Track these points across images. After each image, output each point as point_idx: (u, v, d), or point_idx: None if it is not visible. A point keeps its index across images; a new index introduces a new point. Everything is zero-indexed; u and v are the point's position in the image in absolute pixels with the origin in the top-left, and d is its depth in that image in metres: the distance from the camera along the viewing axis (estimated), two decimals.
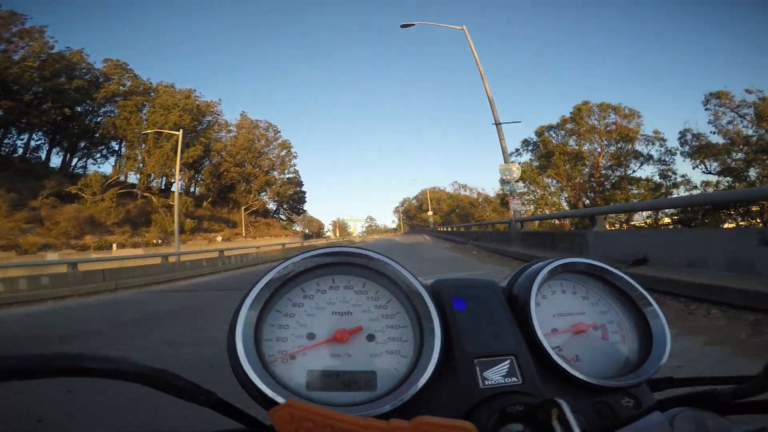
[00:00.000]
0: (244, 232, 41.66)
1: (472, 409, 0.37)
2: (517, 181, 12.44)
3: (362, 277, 0.45)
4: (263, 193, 49.21)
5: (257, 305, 0.41)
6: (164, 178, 40.05)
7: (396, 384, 0.39)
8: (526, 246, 10.00)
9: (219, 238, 37.63)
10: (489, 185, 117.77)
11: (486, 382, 0.38)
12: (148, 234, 31.34)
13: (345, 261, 0.45)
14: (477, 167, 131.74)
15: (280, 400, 0.33)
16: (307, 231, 71.41)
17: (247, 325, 0.39)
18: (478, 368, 0.39)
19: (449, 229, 32.44)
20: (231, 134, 46.20)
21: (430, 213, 53.83)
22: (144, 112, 36.53)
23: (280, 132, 50.00)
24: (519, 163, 31.73)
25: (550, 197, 27.14)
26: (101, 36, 68.83)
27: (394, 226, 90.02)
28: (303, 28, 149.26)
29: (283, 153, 50.69)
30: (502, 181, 13.55)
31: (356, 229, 71.24)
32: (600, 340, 0.48)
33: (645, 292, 0.49)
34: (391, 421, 0.25)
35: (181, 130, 21.36)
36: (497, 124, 12.59)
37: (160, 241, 31.67)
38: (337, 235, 70.78)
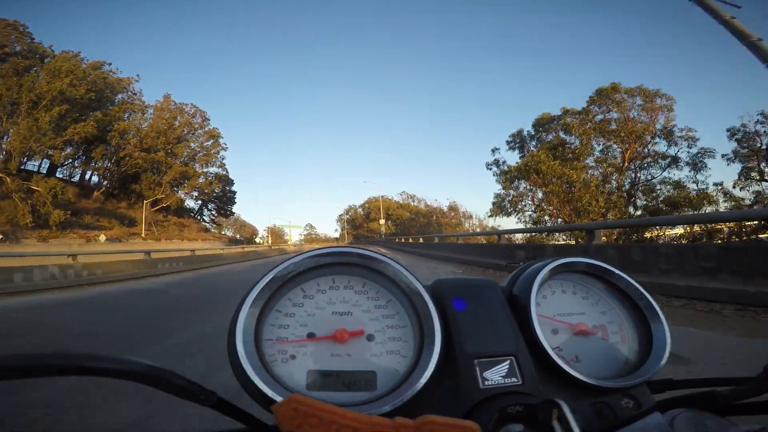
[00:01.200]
0: (143, 232, 33.39)
1: (472, 409, 0.38)
2: None
3: (362, 277, 0.47)
4: (178, 188, 40.61)
5: (257, 305, 0.42)
6: (31, 156, 30.67)
7: (396, 384, 0.40)
8: None
9: (102, 238, 29.48)
10: (442, 197, 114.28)
11: (486, 383, 0.40)
12: None
13: (345, 261, 0.46)
14: (424, 178, 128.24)
15: (280, 400, 0.34)
16: (238, 236, 62.83)
17: (248, 325, 0.40)
18: (478, 368, 0.40)
19: (420, 241, 25.44)
20: (147, 115, 37.75)
21: (382, 222, 49.34)
22: (27, 77, 27.66)
23: (209, 119, 42.72)
24: (504, 162, 24.53)
25: (587, 197, 19.70)
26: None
27: (336, 235, 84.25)
28: (247, 29, 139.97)
29: (209, 143, 43.04)
30: None
31: (292, 236, 64.24)
32: (600, 340, 0.50)
33: (645, 293, 0.52)
34: (396, 419, 0.26)
35: None
36: None
37: (2, 237, 22.72)
38: (270, 242, 63.06)
